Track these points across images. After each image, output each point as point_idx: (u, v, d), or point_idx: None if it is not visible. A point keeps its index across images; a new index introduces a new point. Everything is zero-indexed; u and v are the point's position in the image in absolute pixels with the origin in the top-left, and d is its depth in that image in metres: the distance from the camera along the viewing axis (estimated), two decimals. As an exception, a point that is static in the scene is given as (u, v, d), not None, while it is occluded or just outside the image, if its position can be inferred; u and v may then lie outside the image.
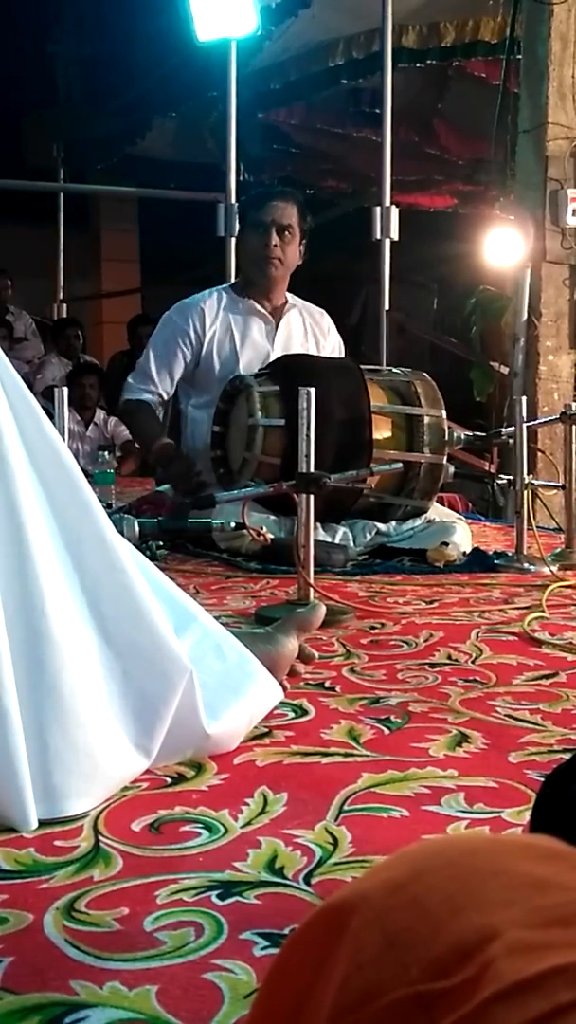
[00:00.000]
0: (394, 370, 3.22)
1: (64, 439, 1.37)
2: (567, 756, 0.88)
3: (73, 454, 1.19)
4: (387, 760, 1.22)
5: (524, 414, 2.75)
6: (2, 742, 0.98)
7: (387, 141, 5.15)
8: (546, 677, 1.63)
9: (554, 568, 2.56)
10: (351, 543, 2.83)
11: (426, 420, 2.95)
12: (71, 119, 7.95)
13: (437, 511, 3.06)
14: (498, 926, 0.38)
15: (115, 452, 5.77)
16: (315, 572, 2.13)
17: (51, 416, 1.47)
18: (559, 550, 2.77)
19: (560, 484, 2.79)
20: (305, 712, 1.42)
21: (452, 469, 3.05)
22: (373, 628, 1.99)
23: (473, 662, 1.73)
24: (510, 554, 2.74)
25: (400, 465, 2.69)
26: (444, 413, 3.00)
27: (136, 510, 3.06)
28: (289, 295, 3.42)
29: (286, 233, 3.24)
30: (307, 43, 6.46)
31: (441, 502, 3.26)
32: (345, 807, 1.07)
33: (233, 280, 3.70)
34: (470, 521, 3.33)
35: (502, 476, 3.37)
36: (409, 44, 6.17)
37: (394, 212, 5.06)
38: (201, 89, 6.43)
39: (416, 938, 0.39)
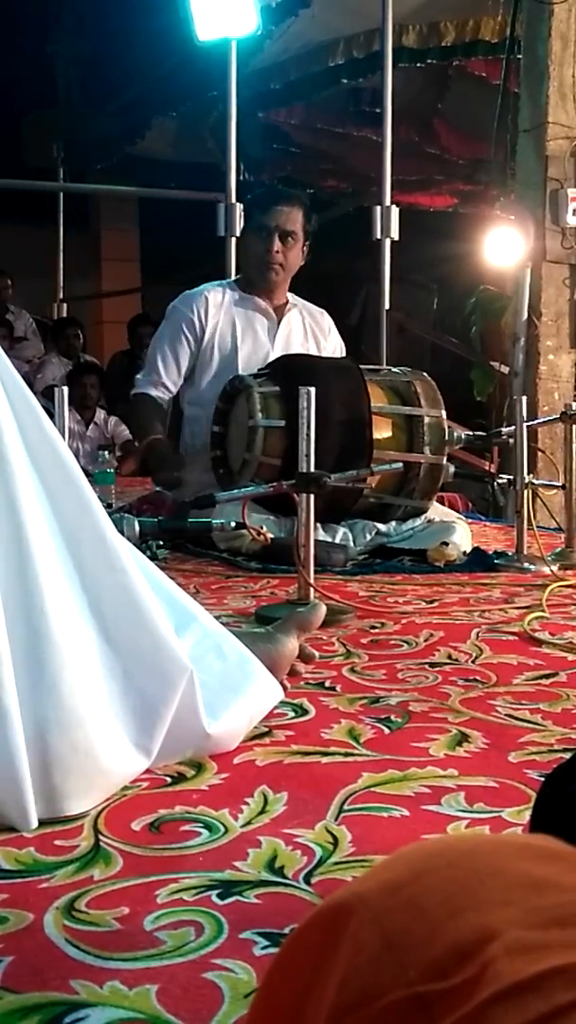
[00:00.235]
0: (394, 370, 3.22)
1: (64, 439, 1.37)
2: (567, 756, 0.88)
3: (73, 454, 1.19)
4: (387, 760, 1.22)
5: (524, 414, 2.75)
6: (2, 742, 0.98)
7: (387, 141, 5.15)
8: (546, 677, 1.63)
9: (554, 568, 2.56)
10: (351, 543, 2.83)
11: (426, 420, 2.95)
12: (71, 119, 7.94)
13: (437, 511, 3.06)
14: (497, 927, 0.38)
15: (115, 452, 5.78)
16: (315, 572, 2.13)
17: (51, 416, 1.47)
18: (559, 550, 2.77)
19: (560, 484, 2.79)
20: (305, 712, 1.42)
21: (452, 469, 3.05)
22: (373, 628, 1.99)
23: (473, 662, 1.73)
24: (510, 554, 2.74)
25: (400, 465, 2.69)
26: (444, 413, 3.00)
27: (136, 510, 3.07)
28: (290, 295, 3.42)
29: (289, 239, 3.25)
30: (307, 43, 6.46)
31: (441, 502, 3.26)
32: (345, 807, 1.07)
33: (235, 277, 3.70)
34: (470, 521, 3.33)
35: (502, 476, 3.37)
36: (409, 44, 6.17)
37: (394, 212, 5.06)
38: (201, 89, 6.42)
39: (414, 939, 0.39)
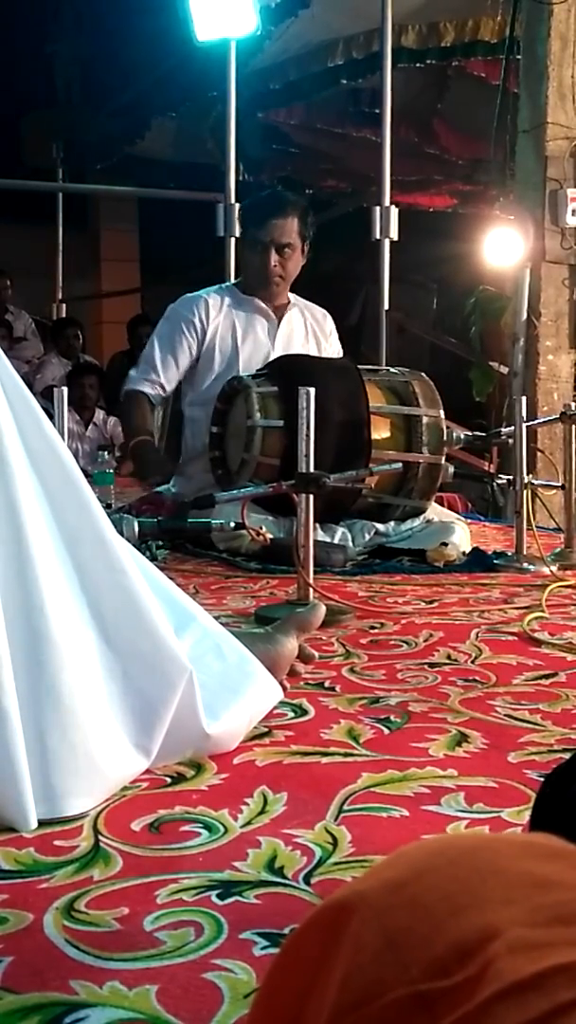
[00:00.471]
0: (392, 370, 3.22)
1: (64, 439, 1.37)
2: (567, 756, 0.88)
3: (72, 454, 1.19)
4: (387, 760, 1.22)
5: (524, 414, 2.75)
6: (2, 742, 0.98)
7: (387, 141, 5.15)
8: (546, 677, 1.63)
9: (554, 568, 2.56)
10: (350, 543, 2.83)
11: (424, 420, 2.95)
12: (71, 119, 7.94)
13: (436, 511, 3.06)
14: (498, 925, 0.38)
15: (115, 452, 5.77)
16: (315, 572, 2.13)
17: (51, 416, 1.47)
18: (559, 550, 2.77)
19: (560, 484, 2.79)
20: (305, 712, 1.42)
21: (452, 469, 3.05)
22: (373, 628, 1.99)
23: (473, 662, 1.73)
24: (510, 554, 2.74)
25: (399, 465, 2.69)
26: (442, 413, 3.00)
27: (136, 510, 3.06)
28: (291, 295, 3.42)
29: (286, 250, 3.24)
30: (307, 43, 6.46)
31: (440, 502, 3.26)
32: (345, 807, 1.07)
33: (235, 280, 3.70)
34: (470, 521, 3.33)
35: (502, 476, 3.37)
36: (409, 44, 6.17)
37: (394, 212, 5.06)
38: (201, 89, 6.43)
39: (416, 937, 0.39)
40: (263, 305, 3.34)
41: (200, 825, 1.03)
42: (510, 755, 1.25)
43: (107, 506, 3.07)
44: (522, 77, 5.31)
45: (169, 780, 1.15)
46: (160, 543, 2.71)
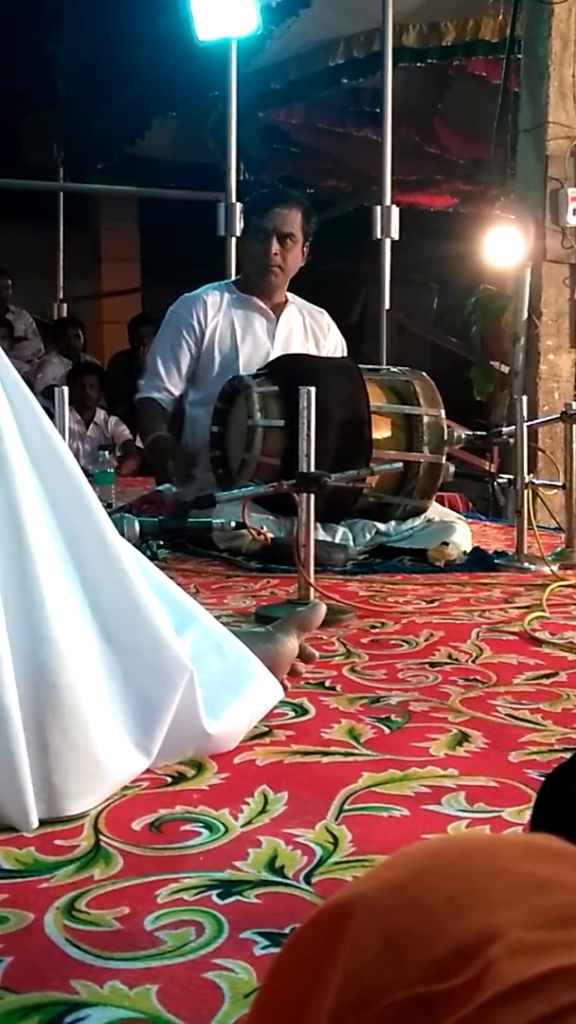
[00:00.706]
0: (393, 369, 3.22)
1: (64, 439, 1.37)
2: (567, 755, 0.88)
3: (73, 454, 1.19)
4: (387, 759, 1.22)
5: (524, 413, 2.75)
6: (2, 742, 0.98)
7: (387, 140, 5.15)
8: (546, 676, 1.63)
9: (554, 567, 2.55)
10: (351, 543, 2.83)
11: (425, 419, 2.95)
12: (71, 119, 7.94)
13: (437, 510, 3.06)
14: (499, 927, 0.38)
15: (115, 452, 5.77)
16: (315, 571, 2.13)
17: (51, 416, 1.47)
18: (559, 549, 2.77)
19: (560, 483, 2.79)
20: (305, 711, 1.42)
21: (452, 468, 3.05)
22: (373, 627, 1.99)
23: (473, 661, 1.73)
24: (510, 553, 2.74)
25: (400, 465, 2.69)
26: (443, 412, 3.00)
27: (136, 510, 3.06)
28: (288, 294, 3.42)
29: (288, 240, 3.25)
30: (308, 42, 6.46)
31: (441, 501, 3.25)
32: (345, 806, 1.07)
33: (234, 278, 3.70)
34: (470, 520, 3.33)
35: (502, 475, 3.37)
36: (409, 43, 6.16)
37: (394, 211, 5.06)
38: (201, 89, 6.42)
39: (416, 939, 0.39)
40: (262, 304, 3.34)
41: (201, 825, 1.03)
42: (511, 755, 1.25)
43: (108, 506, 3.07)
44: (523, 77, 5.31)
45: (170, 779, 1.15)
46: (161, 542, 2.71)
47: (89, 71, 7.64)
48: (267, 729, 1.33)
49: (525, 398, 2.86)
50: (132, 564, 1.17)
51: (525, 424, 2.74)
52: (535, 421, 3.48)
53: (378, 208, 5.07)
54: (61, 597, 1.08)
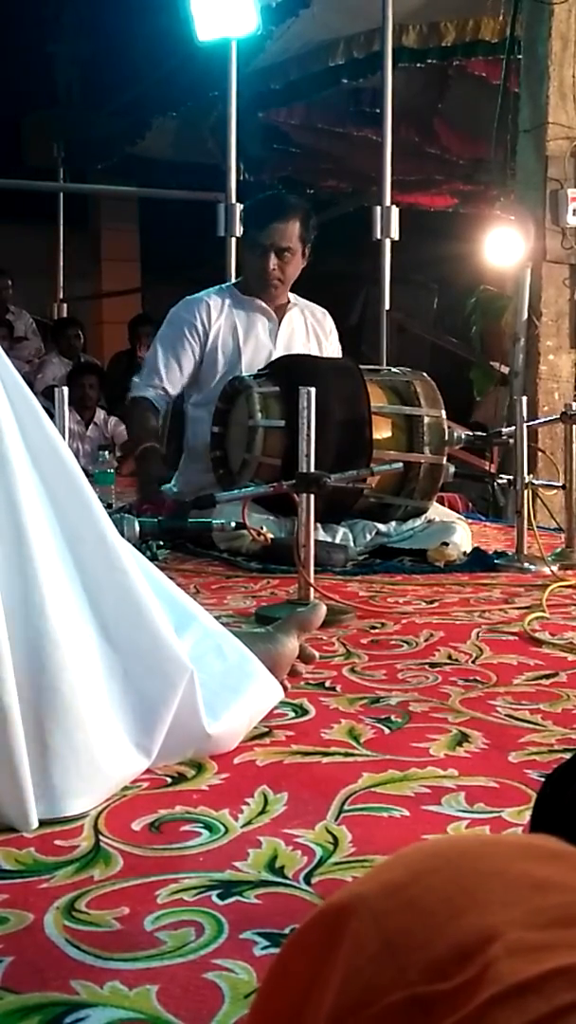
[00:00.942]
0: (393, 370, 3.22)
1: (64, 439, 1.37)
2: (567, 756, 0.88)
3: (73, 454, 1.19)
4: (387, 760, 1.22)
5: (524, 414, 2.75)
6: (2, 741, 0.98)
7: (387, 141, 5.15)
8: (546, 677, 1.63)
9: (554, 568, 2.55)
10: (351, 543, 2.83)
11: (426, 420, 2.95)
12: (71, 119, 7.94)
13: (437, 511, 3.06)
14: (498, 927, 0.38)
15: (115, 452, 5.77)
16: (315, 572, 2.13)
17: (51, 416, 1.47)
18: (559, 550, 2.77)
19: (560, 484, 2.79)
20: (305, 712, 1.42)
21: (452, 469, 3.05)
22: (373, 628, 1.99)
23: (473, 662, 1.73)
24: (510, 554, 2.74)
25: (400, 465, 2.69)
26: (444, 413, 3.00)
27: (136, 510, 3.06)
28: (291, 295, 3.42)
29: (286, 254, 3.25)
30: (307, 43, 6.46)
31: (441, 502, 3.25)
32: (345, 807, 1.07)
33: (235, 279, 3.70)
34: (470, 521, 3.33)
35: (502, 476, 3.37)
36: (409, 44, 6.16)
37: (394, 212, 5.06)
38: (201, 89, 6.42)
39: (415, 940, 0.39)
40: (264, 305, 3.34)
41: (201, 825, 1.03)
42: (511, 755, 1.25)
43: (108, 506, 3.06)
44: (523, 77, 5.31)
45: (170, 780, 1.15)
46: (161, 543, 2.71)
47: (89, 71, 7.65)
48: (267, 729, 1.33)
49: (525, 398, 2.86)
50: (132, 564, 1.17)
51: (525, 424, 2.74)
52: (535, 421, 3.48)
53: (378, 208, 5.07)
54: (61, 597, 1.08)
